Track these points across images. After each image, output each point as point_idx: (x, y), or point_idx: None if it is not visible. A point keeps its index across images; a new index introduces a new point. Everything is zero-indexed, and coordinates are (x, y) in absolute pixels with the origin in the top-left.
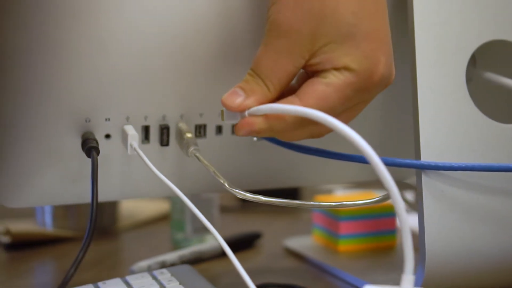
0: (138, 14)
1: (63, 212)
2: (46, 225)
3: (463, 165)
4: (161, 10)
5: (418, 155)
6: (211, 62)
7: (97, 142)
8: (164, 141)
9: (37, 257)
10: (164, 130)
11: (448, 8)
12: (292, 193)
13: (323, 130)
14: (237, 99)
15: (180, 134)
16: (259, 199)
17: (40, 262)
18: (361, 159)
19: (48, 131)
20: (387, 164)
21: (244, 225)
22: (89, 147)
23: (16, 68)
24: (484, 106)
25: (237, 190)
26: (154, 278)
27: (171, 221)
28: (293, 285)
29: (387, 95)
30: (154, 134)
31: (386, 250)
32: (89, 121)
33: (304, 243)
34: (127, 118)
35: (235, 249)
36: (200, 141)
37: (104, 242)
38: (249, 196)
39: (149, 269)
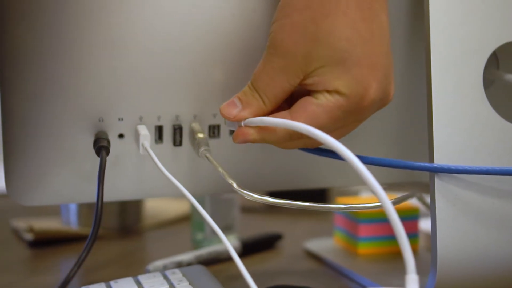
0: (152, 15)
1: (87, 210)
2: (71, 223)
3: (478, 169)
4: (175, 10)
5: (431, 158)
6: (224, 62)
7: (108, 142)
8: (177, 141)
9: (60, 254)
10: (177, 130)
11: (465, 7)
12: (319, 194)
13: (315, 141)
14: (234, 110)
15: (193, 134)
16: (266, 200)
17: (62, 259)
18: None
19: (62, 130)
20: (399, 166)
21: (266, 226)
22: (99, 146)
23: (31, 68)
24: (506, 108)
25: (244, 191)
26: (166, 278)
27: (192, 222)
28: (304, 287)
29: (405, 96)
30: (167, 134)
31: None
32: (102, 120)
33: (325, 245)
34: (140, 118)
35: (255, 250)
36: (213, 141)
37: (127, 241)
38: (256, 197)
39: (165, 269)
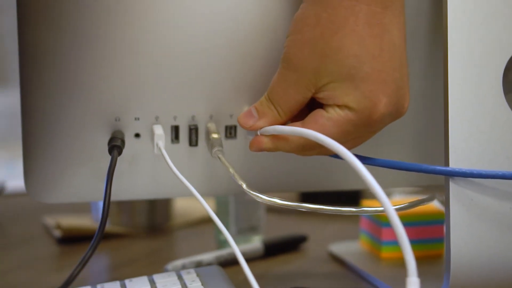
0: (170, 16)
1: (116, 209)
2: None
3: (494, 173)
4: (193, 11)
5: (447, 161)
6: (241, 63)
7: (122, 142)
8: (193, 141)
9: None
10: (193, 131)
11: (485, 8)
12: (352, 196)
13: (328, 151)
14: (250, 120)
15: (208, 134)
16: (275, 202)
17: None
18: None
19: (79, 129)
20: (413, 170)
21: (292, 227)
22: (111, 146)
23: (49, 68)
24: None
25: (253, 192)
26: (180, 277)
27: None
28: None
29: (427, 99)
30: (183, 134)
31: (433, 259)
32: (119, 120)
33: (350, 248)
34: (157, 118)
35: (278, 251)
36: (230, 142)
37: (155, 239)
38: (265, 198)
39: (183, 268)
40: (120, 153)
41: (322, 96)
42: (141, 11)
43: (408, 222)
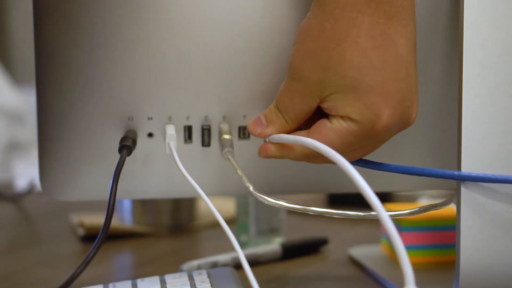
0: (183, 16)
1: (141, 208)
2: (124, 220)
3: (507, 178)
4: (206, 11)
5: (459, 165)
6: (255, 64)
7: (133, 141)
8: (205, 142)
9: (109, 250)
10: (205, 131)
11: (503, 9)
12: (382, 199)
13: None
14: (258, 128)
15: (220, 135)
16: (281, 205)
17: (110, 255)
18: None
19: (93, 128)
20: (424, 174)
21: (314, 230)
22: (121, 145)
23: (64, 67)
24: None
25: (260, 195)
26: (191, 278)
27: (236, 223)
28: None
29: (443, 102)
30: (196, 134)
31: (452, 265)
32: (132, 119)
33: (370, 252)
34: (169, 118)
35: (297, 254)
36: (243, 142)
37: (177, 239)
38: (271, 201)
39: (199, 268)
40: (129, 153)
41: (326, 106)
42: (155, 12)
43: (424, 227)
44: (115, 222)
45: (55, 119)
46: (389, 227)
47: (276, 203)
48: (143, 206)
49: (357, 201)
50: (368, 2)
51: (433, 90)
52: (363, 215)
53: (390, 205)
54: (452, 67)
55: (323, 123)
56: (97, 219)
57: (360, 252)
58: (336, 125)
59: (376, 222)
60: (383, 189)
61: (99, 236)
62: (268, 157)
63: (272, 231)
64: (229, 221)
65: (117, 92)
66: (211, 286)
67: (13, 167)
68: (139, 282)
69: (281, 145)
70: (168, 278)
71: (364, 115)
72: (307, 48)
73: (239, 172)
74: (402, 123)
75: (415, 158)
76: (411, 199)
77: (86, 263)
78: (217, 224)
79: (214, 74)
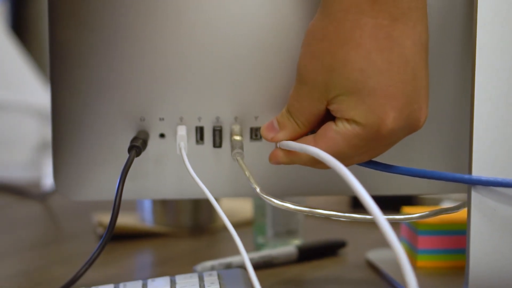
0: (195, 17)
1: (161, 208)
2: (145, 220)
3: None
4: (217, 13)
5: (470, 169)
6: (267, 65)
7: (143, 142)
8: (216, 143)
9: (127, 249)
10: (217, 132)
11: None
12: (407, 201)
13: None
14: (271, 133)
15: (231, 136)
16: (287, 207)
17: (127, 255)
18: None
19: (106, 128)
20: (434, 177)
21: (334, 232)
22: (130, 146)
23: (78, 68)
24: None
25: (266, 196)
26: (201, 279)
27: (254, 225)
28: None
29: (454, 104)
30: (208, 135)
31: None
32: (144, 120)
33: (388, 256)
34: (181, 119)
35: (314, 256)
36: (255, 144)
37: (196, 239)
38: (277, 203)
39: (212, 269)
40: (139, 153)
41: (332, 108)
42: (167, 13)
43: (442, 231)
44: (136, 222)
45: (69, 120)
46: (387, 231)
47: (282, 205)
48: (164, 206)
49: (382, 204)
50: (371, 4)
51: (446, 93)
52: (369, 218)
53: (409, 209)
54: (466, 69)
55: (329, 126)
56: (120, 219)
57: (378, 255)
58: (341, 128)
59: (396, 225)
60: (394, 192)
61: (104, 237)
62: (278, 163)
63: (290, 233)
64: (246, 223)
65: (129, 93)
66: (220, 287)
67: (42, 166)
68: (149, 282)
69: (289, 152)
70: (179, 278)
71: (368, 117)
72: (312, 51)
73: (247, 173)
74: (410, 127)
75: (428, 161)
76: (435, 202)
77: (90, 263)
78: (236, 226)
79: (226, 75)
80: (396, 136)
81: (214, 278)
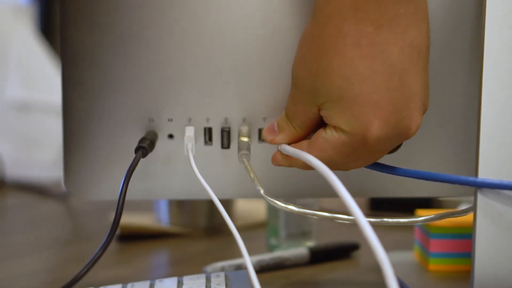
0: (203, 18)
1: (177, 209)
2: (161, 220)
3: None
4: (227, 13)
5: (477, 171)
6: (276, 66)
7: (151, 143)
8: (224, 144)
9: (142, 249)
10: (225, 133)
11: None
12: (424, 204)
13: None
14: (270, 135)
15: (239, 137)
16: (291, 209)
17: (142, 255)
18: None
19: (115, 129)
20: (440, 180)
21: (350, 235)
22: (137, 146)
23: (88, 68)
24: None
25: (270, 198)
26: (208, 280)
27: (267, 226)
28: None
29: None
30: (216, 136)
31: None
32: (153, 121)
33: (401, 259)
34: (189, 120)
35: (327, 259)
36: (263, 145)
37: (211, 240)
38: (281, 205)
39: (222, 270)
40: (145, 154)
41: (322, 114)
42: (177, 14)
43: (454, 234)
44: (152, 222)
45: (79, 120)
46: (368, 234)
47: (285, 207)
48: (180, 207)
49: (398, 206)
50: (354, 11)
51: (454, 96)
52: (374, 221)
53: (422, 211)
54: (474, 72)
55: (319, 133)
56: (134, 219)
57: (391, 258)
58: (329, 135)
59: (411, 228)
60: (402, 194)
61: (107, 237)
62: (279, 165)
63: (303, 235)
64: (260, 224)
65: (138, 94)
66: None
67: None
68: (157, 282)
69: (287, 155)
70: (186, 279)
71: (353, 125)
72: (302, 56)
73: (252, 175)
74: (400, 135)
75: (436, 163)
76: (454, 205)
77: (92, 263)
78: (252, 227)
79: (235, 76)
80: (386, 144)
81: (221, 279)
